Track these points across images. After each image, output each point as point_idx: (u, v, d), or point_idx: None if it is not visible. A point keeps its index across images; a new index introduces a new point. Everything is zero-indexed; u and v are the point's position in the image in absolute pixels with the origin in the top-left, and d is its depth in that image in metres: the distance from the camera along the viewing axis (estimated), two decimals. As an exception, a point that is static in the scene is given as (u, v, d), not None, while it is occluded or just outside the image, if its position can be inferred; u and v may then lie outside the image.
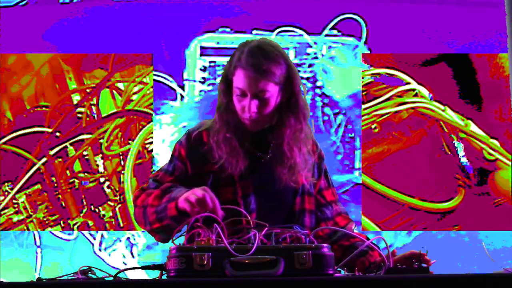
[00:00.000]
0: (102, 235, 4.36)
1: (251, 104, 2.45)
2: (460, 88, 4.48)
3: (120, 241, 4.35)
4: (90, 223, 4.36)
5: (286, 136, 2.51)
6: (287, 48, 4.41)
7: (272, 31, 4.42)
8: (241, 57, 2.47)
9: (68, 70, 4.42)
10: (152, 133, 4.39)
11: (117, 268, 3.77)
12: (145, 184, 2.58)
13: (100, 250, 4.35)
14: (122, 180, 4.39)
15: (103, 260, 4.34)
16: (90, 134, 4.41)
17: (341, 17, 4.45)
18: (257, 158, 2.54)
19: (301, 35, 4.43)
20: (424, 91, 4.47)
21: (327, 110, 4.44)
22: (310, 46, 4.44)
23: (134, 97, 4.42)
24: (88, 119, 4.42)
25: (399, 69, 4.48)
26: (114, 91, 4.43)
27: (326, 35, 4.45)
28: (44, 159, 4.38)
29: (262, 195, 2.51)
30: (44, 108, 4.43)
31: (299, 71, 4.41)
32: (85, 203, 4.37)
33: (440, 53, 4.47)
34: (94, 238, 4.36)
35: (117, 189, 4.39)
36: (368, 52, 4.46)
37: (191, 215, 2.27)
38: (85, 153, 4.40)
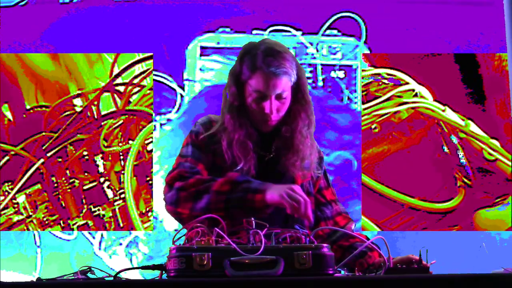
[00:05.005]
0: (102, 235, 4.36)
1: (272, 106, 2.49)
2: (460, 88, 4.48)
3: (121, 244, 4.35)
4: (90, 223, 4.36)
5: (298, 131, 2.55)
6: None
7: (265, 29, 4.42)
8: (256, 60, 2.49)
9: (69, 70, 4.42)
10: (152, 133, 4.39)
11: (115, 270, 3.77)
12: (177, 169, 2.53)
13: (100, 249, 4.35)
14: (122, 180, 4.39)
15: (103, 260, 4.34)
16: (90, 134, 4.41)
17: (343, 15, 4.45)
18: (261, 157, 2.55)
19: (294, 35, 4.43)
20: (424, 91, 4.47)
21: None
22: (310, 45, 4.44)
23: (134, 97, 4.41)
24: (88, 119, 4.42)
25: (399, 69, 4.48)
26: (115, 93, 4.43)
27: (327, 35, 4.45)
28: (42, 159, 4.38)
29: None
30: (44, 108, 4.43)
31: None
32: (84, 202, 4.37)
33: (440, 53, 4.47)
34: (94, 238, 4.36)
35: (117, 189, 4.39)
36: (368, 51, 4.46)
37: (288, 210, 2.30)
38: (85, 153, 4.40)
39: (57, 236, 4.37)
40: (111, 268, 4.22)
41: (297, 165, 2.54)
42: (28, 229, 4.36)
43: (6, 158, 4.37)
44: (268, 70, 2.47)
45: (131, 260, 4.33)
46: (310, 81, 4.42)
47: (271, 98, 2.49)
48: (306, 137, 2.56)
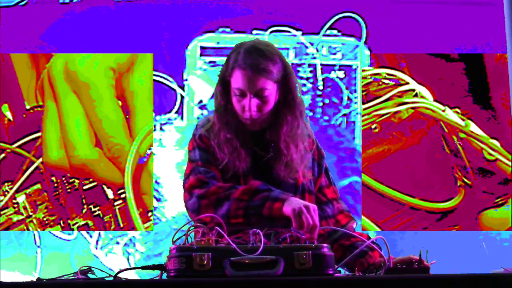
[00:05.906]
0: (99, 234, 4.36)
1: (251, 103, 2.48)
2: (460, 88, 4.48)
3: (118, 243, 4.34)
4: (90, 223, 4.36)
5: (283, 133, 2.54)
6: (287, 48, 4.41)
7: (266, 30, 4.42)
8: (238, 58, 2.50)
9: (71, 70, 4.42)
10: (152, 132, 4.39)
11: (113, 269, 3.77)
12: (194, 175, 2.53)
13: (96, 248, 4.35)
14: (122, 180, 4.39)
15: (100, 260, 4.34)
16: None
17: (344, 15, 4.45)
18: (259, 157, 2.56)
19: (294, 35, 4.42)
20: (424, 91, 4.47)
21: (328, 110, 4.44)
22: (311, 45, 4.44)
23: (133, 97, 4.41)
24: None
25: (399, 69, 4.48)
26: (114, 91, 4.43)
27: (327, 35, 4.45)
28: (41, 159, 4.38)
29: None
30: (44, 108, 4.42)
31: (299, 71, 4.42)
32: (84, 201, 4.37)
33: (440, 53, 4.47)
34: (91, 237, 4.36)
35: (117, 189, 4.39)
36: (368, 51, 4.46)
37: (295, 228, 2.29)
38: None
39: (57, 236, 4.37)
40: (110, 269, 4.22)
41: (282, 169, 2.54)
42: (28, 229, 4.36)
43: (3, 155, 4.36)
44: (246, 67, 2.47)
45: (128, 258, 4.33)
46: (310, 81, 4.42)
47: (249, 95, 2.49)
48: (295, 141, 2.55)
